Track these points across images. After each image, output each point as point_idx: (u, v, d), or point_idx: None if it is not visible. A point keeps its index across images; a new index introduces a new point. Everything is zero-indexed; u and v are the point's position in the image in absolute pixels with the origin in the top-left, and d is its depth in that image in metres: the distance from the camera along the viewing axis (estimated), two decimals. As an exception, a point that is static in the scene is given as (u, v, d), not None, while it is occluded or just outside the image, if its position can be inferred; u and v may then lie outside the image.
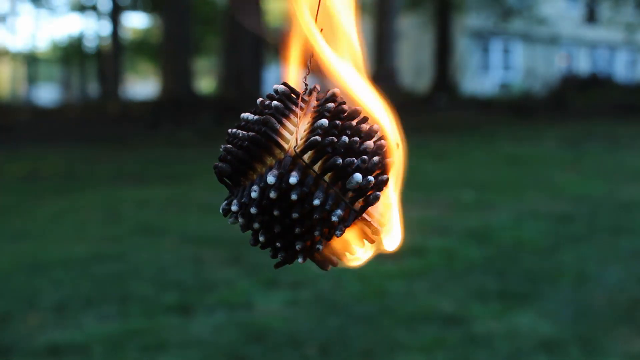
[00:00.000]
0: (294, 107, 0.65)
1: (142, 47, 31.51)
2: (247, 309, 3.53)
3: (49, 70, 37.92)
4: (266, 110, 0.65)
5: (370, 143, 0.64)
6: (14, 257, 4.65)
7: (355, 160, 0.62)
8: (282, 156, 0.62)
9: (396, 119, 0.68)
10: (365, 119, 0.66)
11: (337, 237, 0.62)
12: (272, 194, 0.60)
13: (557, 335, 3.08)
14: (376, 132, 0.66)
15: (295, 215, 0.61)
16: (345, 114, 0.65)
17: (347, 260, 0.66)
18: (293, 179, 0.60)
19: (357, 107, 0.66)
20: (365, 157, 0.62)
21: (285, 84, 0.67)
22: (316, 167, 0.62)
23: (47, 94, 32.26)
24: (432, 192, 6.60)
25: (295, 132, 0.63)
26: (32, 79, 34.99)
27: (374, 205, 0.64)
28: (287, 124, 0.64)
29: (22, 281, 4.08)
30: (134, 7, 30.03)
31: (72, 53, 32.00)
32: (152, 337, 3.16)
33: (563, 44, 28.96)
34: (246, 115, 0.66)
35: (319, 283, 3.83)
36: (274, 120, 0.63)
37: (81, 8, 29.03)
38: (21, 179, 8.67)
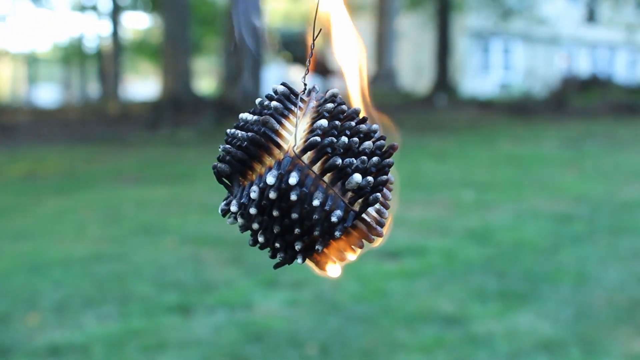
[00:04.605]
0: (293, 108, 0.65)
1: (142, 47, 31.46)
2: (247, 309, 3.53)
3: (49, 71, 37.87)
4: (265, 111, 0.64)
5: (369, 143, 0.63)
6: (14, 257, 4.65)
7: (355, 161, 0.61)
8: (282, 156, 0.62)
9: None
10: (364, 120, 0.66)
11: (337, 237, 0.62)
12: (272, 195, 0.60)
13: (557, 335, 3.08)
14: (375, 132, 0.66)
15: (294, 215, 0.61)
16: (345, 115, 0.64)
17: (346, 261, 0.66)
18: (292, 180, 0.60)
19: (357, 107, 0.66)
20: (365, 157, 0.62)
21: (284, 84, 0.67)
22: (315, 168, 0.61)
23: (47, 94, 32.22)
24: (432, 192, 6.60)
25: (294, 132, 0.63)
26: (32, 79, 34.96)
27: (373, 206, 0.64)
28: (287, 124, 0.64)
29: (22, 281, 4.08)
30: (134, 7, 29.99)
31: (72, 53, 31.96)
32: (152, 337, 3.16)
33: (563, 44, 28.91)
34: (245, 115, 0.65)
35: (319, 283, 3.83)
36: (273, 120, 0.63)
37: (81, 8, 28.99)
38: (21, 179, 8.67)
